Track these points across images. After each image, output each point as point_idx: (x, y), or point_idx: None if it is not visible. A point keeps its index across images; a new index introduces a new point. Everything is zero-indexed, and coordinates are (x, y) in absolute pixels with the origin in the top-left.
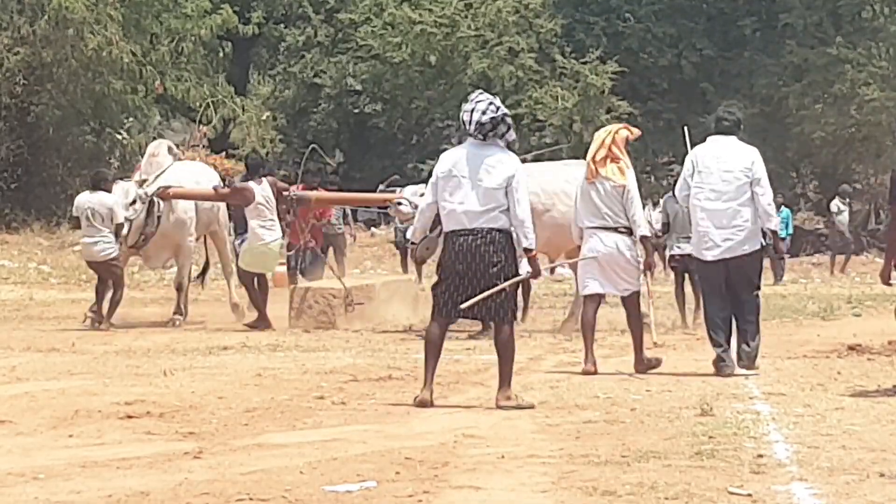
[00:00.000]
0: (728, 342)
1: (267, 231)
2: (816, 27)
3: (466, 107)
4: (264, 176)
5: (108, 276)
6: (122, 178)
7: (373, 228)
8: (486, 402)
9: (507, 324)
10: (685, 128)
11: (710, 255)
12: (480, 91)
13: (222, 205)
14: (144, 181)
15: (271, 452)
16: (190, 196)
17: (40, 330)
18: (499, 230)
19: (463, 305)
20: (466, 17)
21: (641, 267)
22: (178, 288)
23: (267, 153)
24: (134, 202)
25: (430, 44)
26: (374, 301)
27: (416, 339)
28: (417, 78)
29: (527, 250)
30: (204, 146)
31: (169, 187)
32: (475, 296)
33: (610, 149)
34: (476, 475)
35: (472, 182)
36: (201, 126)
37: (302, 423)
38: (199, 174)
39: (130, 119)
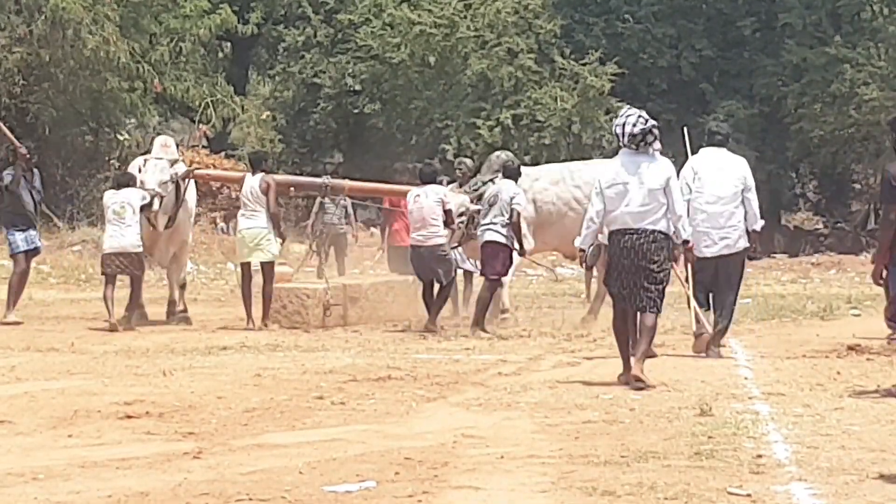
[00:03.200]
0: (709, 305)
1: (245, 220)
2: (815, 27)
3: (618, 121)
4: (262, 171)
5: (132, 270)
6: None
7: (372, 229)
8: (486, 402)
9: (655, 313)
10: (685, 128)
11: (709, 252)
12: (629, 106)
13: None
14: (175, 161)
15: (271, 452)
16: (220, 178)
17: (40, 330)
18: (660, 232)
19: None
20: (465, 17)
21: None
22: (183, 286)
23: (266, 153)
24: (166, 182)
25: (429, 44)
26: (361, 301)
27: (416, 339)
28: (416, 78)
29: (684, 242)
30: (203, 146)
31: (193, 169)
32: (639, 287)
33: None
34: (476, 475)
35: (635, 186)
36: (200, 126)
37: (301, 424)
38: None
39: (129, 119)
